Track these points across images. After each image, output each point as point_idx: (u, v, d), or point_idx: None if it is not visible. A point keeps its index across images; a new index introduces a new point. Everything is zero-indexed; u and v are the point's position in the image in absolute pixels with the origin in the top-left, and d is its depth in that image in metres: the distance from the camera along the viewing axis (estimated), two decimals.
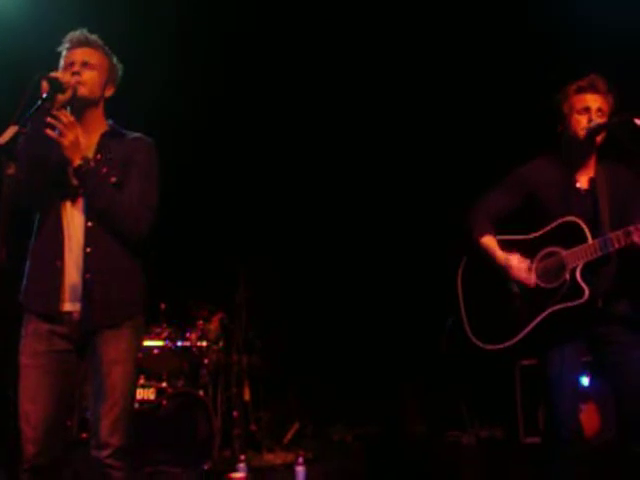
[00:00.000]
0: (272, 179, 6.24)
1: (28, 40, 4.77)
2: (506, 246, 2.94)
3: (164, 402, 4.55)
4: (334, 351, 6.01)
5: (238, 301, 5.52)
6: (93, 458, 2.45)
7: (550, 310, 2.78)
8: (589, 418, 4.61)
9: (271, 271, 6.00)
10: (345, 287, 6.25)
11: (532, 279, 2.84)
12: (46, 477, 2.42)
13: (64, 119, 2.38)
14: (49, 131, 2.36)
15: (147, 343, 4.86)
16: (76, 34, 2.61)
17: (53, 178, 2.50)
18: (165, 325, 5.02)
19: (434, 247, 5.37)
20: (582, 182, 2.91)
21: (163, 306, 5.07)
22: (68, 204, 2.52)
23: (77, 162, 2.42)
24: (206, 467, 4.46)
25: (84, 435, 4.10)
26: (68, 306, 2.49)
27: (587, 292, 2.73)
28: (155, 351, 4.89)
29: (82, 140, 2.45)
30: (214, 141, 5.87)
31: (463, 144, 5.77)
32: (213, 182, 6.02)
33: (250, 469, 4.56)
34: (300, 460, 4.42)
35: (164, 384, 4.68)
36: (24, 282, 2.56)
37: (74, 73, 2.52)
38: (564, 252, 2.80)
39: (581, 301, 2.73)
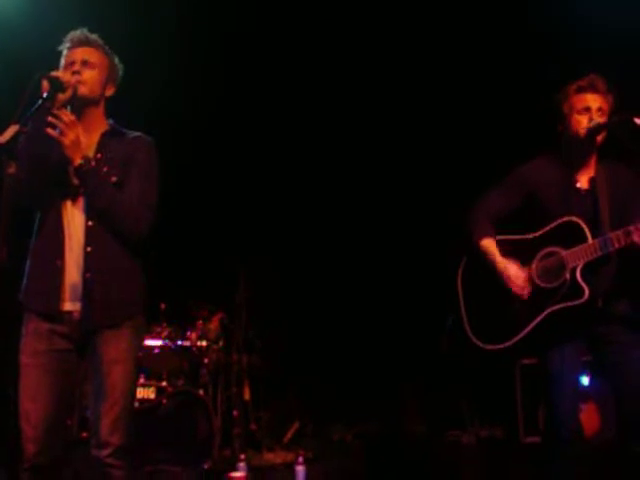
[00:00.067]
0: (272, 179, 6.24)
1: (28, 40, 4.77)
2: (506, 246, 2.94)
3: (164, 401, 4.55)
4: (334, 350, 6.02)
5: (238, 301, 5.52)
6: (93, 457, 2.45)
7: (550, 310, 2.78)
8: (589, 418, 4.61)
9: (271, 271, 6.00)
10: (345, 287, 6.25)
11: (526, 291, 2.85)
12: (46, 476, 2.42)
13: (65, 118, 2.38)
14: (50, 130, 2.36)
15: (147, 342, 4.86)
16: (76, 33, 2.61)
17: (54, 177, 2.50)
18: (165, 324, 5.03)
19: (434, 247, 5.38)
20: (582, 182, 2.91)
21: (163, 306, 5.08)
22: (68, 203, 2.53)
23: (78, 161, 2.42)
24: (206, 466, 4.46)
25: (84, 434, 4.10)
26: (68, 305, 2.49)
27: (587, 292, 2.73)
28: (155, 350, 4.90)
29: (83, 139, 2.45)
30: (214, 141, 5.87)
31: (463, 144, 5.77)
32: (213, 182, 6.02)
33: (250, 468, 4.56)
34: (300, 459, 4.42)
35: (164, 383, 4.68)
36: (24, 281, 2.56)
37: (74, 72, 2.52)
38: (564, 252, 2.80)
39: (581, 301, 2.73)
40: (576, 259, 2.77)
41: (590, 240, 2.76)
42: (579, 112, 2.86)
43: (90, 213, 2.51)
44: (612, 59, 4.11)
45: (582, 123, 2.84)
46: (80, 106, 2.55)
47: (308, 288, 6.22)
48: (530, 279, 2.86)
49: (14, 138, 2.14)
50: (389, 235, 6.24)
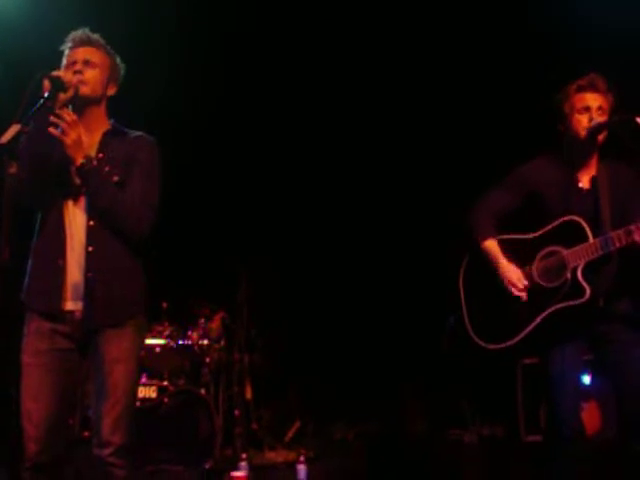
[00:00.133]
0: (272, 179, 6.25)
1: (28, 40, 4.77)
2: (507, 245, 2.94)
3: (166, 400, 4.56)
4: (335, 350, 6.02)
5: (239, 300, 5.52)
6: (95, 456, 2.45)
7: (551, 309, 2.79)
8: (590, 416, 4.61)
9: (271, 271, 6.00)
10: (345, 286, 6.25)
11: (524, 294, 2.85)
12: (48, 475, 2.42)
13: (67, 117, 2.38)
14: (52, 130, 2.36)
15: (149, 341, 4.86)
16: (78, 33, 2.61)
17: (55, 177, 2.50)
18: (167, 324, 5.03)
19: (434, 247, 5.38)
20: (584, 181, 2.91)
21: (165, 305, 5.08)
22: (70, 203, 2.53)
23: (79, 161, 2.42)
24: (207, 466, 4.47)
25: (86, 433, 4.09)
26: (70, 305, 2.49)
27: (588, 291, 2.73)
28: (157, 350, 4.89)
29: (84, 139, 2.45)
30: (214, 141, 5.87)
31: (463, 144, 5.77)
32: (213, 182, 6.02)
33: (251, 467, 4.56)
34: (301, 458, 4.44)
35: (166, 382, 4.68)
36: (26, 281, 2.57)
37: (76, 72, 2.52)
38: (565, 251, 2.81)
39: (582, 300, 2.73)
40: (577, 258, 2.77)
41: (591, 239, 2.76)
42: (579, 111, 2.86)
43: (92, 213, 2.51)
44: (612, 59, 4.11)
45: (582, 122, 2.84)
46: (82, 106, 2.56)
47: (309, 288, 6.23)
48: (530, 281, 2.87)
49: (15, 138, 2.14)
50: (389, 235, 6.24)
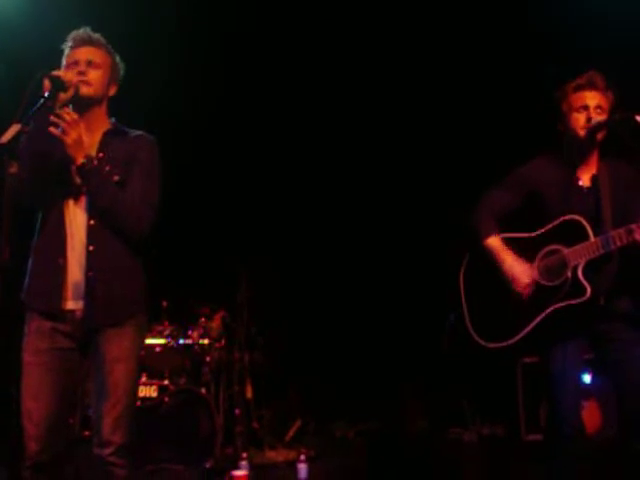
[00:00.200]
0: (272, 179, 6.25)
1: (28, 40, 4.77)
2: (509, 244, 2.94)
3: (166, 400, 4.56)
4: (336, 349, 6.03)
5: (239, 300, 5.52)
6: (95, 456, 2.45)
7: (552, 308, 2.78)
8: (591, 415, 4.61)
9: (271, 271, 6.00)
10: (346, 286, 6.25)
11: (527, 290, 2.85)
12: (48, 474, 2.42)
13: (67, 117, 2.38)
14: (52, 129, 2.36)
15: (149, 341, 4.86)
16: (79, 32, 2.61)
17: (56, 176, 2.50)
18: (167, 323, 5.03)
19: (434, 246, 5.39)
20: (584, 180, 2.91)
21: (165, 304, 5.08)
22: (71, 202, 2.53)
23: (80, 160, 2.42)
24: (208, 465, 4.46)
25: (86, 433, 4.09)
26: (71, 304, 2.50)
27: (589, 290, 2.73)
28: (157, 349, 4.89)
29: (85, 138, 2.45)
30: (214, 141, 5.87)
31: (463, 144, 5.77)
32: (213, 182, 6.02)
33: (252, 466, 4.57)
34: (302, 457, 4.45)
35: (166, 382, 4.69)
36: (26, 280, 2.57)
37: (79, 72, 2.52)
38: (566, 250, 2.80)
39: (583, 299, 2.73)
40: (578, 257, 2.77)
41: (592, 238, 2.75)
42: (578, 110, 2.85)
43: (92, 212, 2.51)
44: (612, 59, 4.11)
45: (581, 121, 2.83)
46: (83, 105, 2.56)
47: (309, 288, 6.23)
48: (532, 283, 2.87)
49: (16, 138, 2.14)
50: (389, 235, 6.24)
